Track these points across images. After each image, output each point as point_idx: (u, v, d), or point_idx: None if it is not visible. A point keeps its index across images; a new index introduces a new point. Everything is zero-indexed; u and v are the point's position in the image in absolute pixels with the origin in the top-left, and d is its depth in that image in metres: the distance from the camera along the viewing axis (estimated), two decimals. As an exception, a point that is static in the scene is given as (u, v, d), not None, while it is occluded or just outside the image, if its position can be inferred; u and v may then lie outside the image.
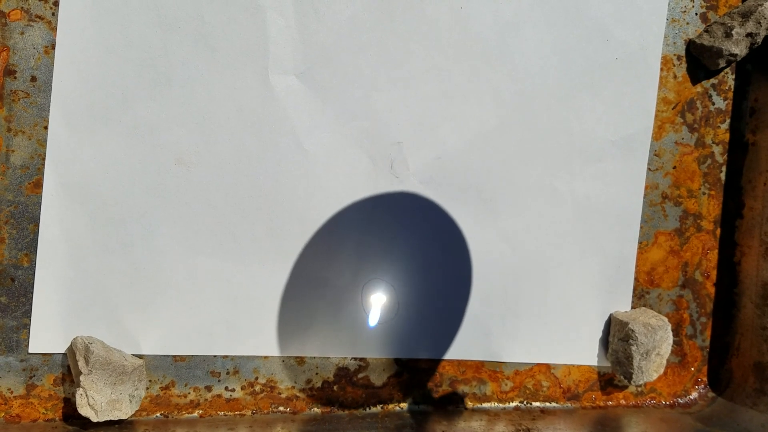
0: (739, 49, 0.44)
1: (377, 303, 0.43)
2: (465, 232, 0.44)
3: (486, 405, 0.45)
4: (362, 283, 0.43)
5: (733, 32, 0.44)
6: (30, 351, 0.39)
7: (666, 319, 0.45)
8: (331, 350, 0.43)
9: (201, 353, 0.41)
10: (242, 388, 0.42)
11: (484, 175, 0.43)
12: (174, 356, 0.41)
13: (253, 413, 0.42)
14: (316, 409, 0.43)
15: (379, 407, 0.44)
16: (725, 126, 0.47)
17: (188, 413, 0.41)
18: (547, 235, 0.45)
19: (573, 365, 0.46)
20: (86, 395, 0.37)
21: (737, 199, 0.48)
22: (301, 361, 0.43)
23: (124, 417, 0.39)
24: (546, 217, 0.44)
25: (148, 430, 0.39)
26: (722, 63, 0.45)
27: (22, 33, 0.38)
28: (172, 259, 0.41)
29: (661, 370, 0.45)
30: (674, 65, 0.46)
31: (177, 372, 0.41)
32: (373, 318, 0.43)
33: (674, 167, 0.46)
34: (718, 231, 0.47)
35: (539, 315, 0.45)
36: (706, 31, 0.45)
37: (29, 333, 0.39)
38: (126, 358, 0.39)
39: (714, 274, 0.48)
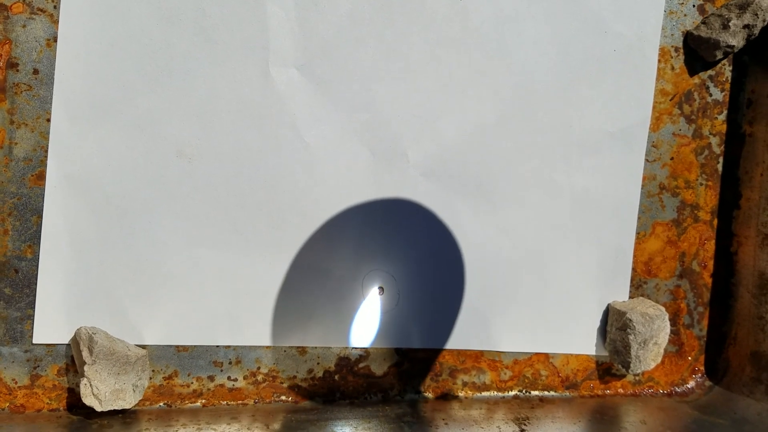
0: (737, 41, 0.45)
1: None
2: (464, 224, 0.44)
3: (485, 394, 0.45)
4: (363, 274, 0.43)
5: (730, 24, 0.44)
6: (34, 342, 0.40)
7: (663, 309, 0.45)
8: (332, 340, 0.43)
9: (203, 343, 0.42)
10: (245, 378, 0.42)
11: (483, 167, 0.44)
12: (177, 346, 0.42)
13: (256, 402, 0.42)
14: (317, 398, 0.43)
15: (379, 396, 0.44)
16: (722, 117, 0.47)
17: (191, 403, 0.42)
18: (545, 226, 0.45)
19: (571, 354, 0.46)
20: (90, 385, 0.38)
21: (734, 189, 0.48)
22: (302, 351, 0.43)
23: (127, 406, 0.39)
24: (545, 208, 0.45)
25: (151, 420, 0.40)
26: (719, 54, 0.45)
27: (24, 26, 0.38)
28: (174, 250, 0.41)
29: (659, 360, 0.45)
30: (672, 57, 0.46)
31: (180, 362, 0.42)
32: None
33: (672, 158, 0.46)
34: (716, 221, 0.48)
35: (538, 305, 0.45)
36: (703, 22, 0.46)
37: (33, 324, 0.40)
38: (129, 348, 0.39)
39: (711, 264, 0.48)
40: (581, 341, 0.46)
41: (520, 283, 0.45)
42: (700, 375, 0.48)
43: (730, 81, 0.47)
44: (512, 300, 0.45)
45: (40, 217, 0.39)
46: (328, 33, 0.41)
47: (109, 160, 0.40)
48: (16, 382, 0.40)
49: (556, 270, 0.45)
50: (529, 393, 0.46)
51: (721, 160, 0.47)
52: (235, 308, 0.42)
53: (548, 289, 0.45)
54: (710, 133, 0.47)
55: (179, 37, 0.40)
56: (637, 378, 0.47)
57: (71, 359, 0.40)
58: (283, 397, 0.43)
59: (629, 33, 0.45)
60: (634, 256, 0.46)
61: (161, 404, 0.41)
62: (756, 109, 0.47)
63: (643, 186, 0.46)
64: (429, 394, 0.45)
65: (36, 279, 0.40)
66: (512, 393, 0.46)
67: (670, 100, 0.46)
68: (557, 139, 0.44)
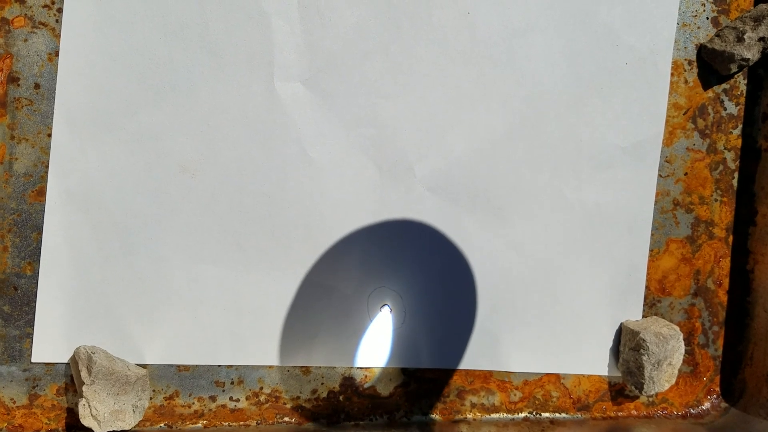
0: (752, 54, 0.44)
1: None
2: (473, 240, 0.43)
3: (495, 416, 0.44)
4: (369, 292, 0.42)
5: (745, 36, 0.43)
6: (33, 360, 0.39)
7: (678, 329, 0.44)
8: (337, 360, 0.42)
9: (205, 363, 0.41)
10: (247, 399, 0.42)
11: (492, 182, 0.43)
12: (178, 366, 0.41)
13: (258, 424, 0.42)
14: (321, 419, 0.42)
15: (385, 418, 0.43)
16: (737, 132, 0.46)
17: (192, 424, 0.41)
18: (556, 242, 0.44)
19: (583, 375, 0.45)
20: (89, 405, 0.37)
21: (750, 205, 0.47)
22: (306, 370, 0.42)
23: (127, 428, 0.38)
24: (555, 224, 0.44)
25: (151, 441, 0.39)
26: (734, 68, 0.44)
27: (26, 40, 0.38)
28: (176, 268, 0.40)
29: (673, 380, 0.44)
30: (685, 70, 0.45)
31: (181, 382, 0.41)
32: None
33: (686, 174, 0.46)
34: (731, 238, 0.47)
35: (548, 324, 0.44)
36: (717, 35, 0.45)
37: (32, 342, 0.39)
38: (129, 367, 0.39)
39: (726, 282, 0.47)
40: (593, 361, 0.45)
41: (530, 301, 0.44)
42: (715, 396, 0.47)
43: (745, 95, 0.46)
44: (522, 318, 0.44)
45: (40, 233, 0.39)
46: (333, 47, 0.41)
47: (110, 175, 0.39)
48: (14, 402, 0.39)
49: (567, 288, 0.44)
50: (540, 415, 0.45)
51: (736, 175, 0.46)
52: (237, 327, 0.41)
53: (559, 308, 0.44)
54: (725, 148, 0.46)
55: (183, 51, 0.39)
56: (650, 399, 0.46)
57: (71, 378, 0.39)
58: (287, 419, 0.42)
59: (641, 46, 0.44)
60: (648, 273, 0.45)
61: (162, 425, 0.41)
62: (772, 123, 0.46)
63: (656, 202, 0.45)
64: (436, 416, 0.44)
65: (35, 297, 0.39)
66: (522, 415, 0.45)
67: (684, 114, 0.45)
68: (568, 153, 0.44)
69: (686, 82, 0.45)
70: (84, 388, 0.37)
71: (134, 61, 0.39)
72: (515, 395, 0.45)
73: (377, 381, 0.43)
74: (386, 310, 0.43)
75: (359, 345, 0.42)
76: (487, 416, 0.44)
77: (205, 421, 0.41)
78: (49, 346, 0.39)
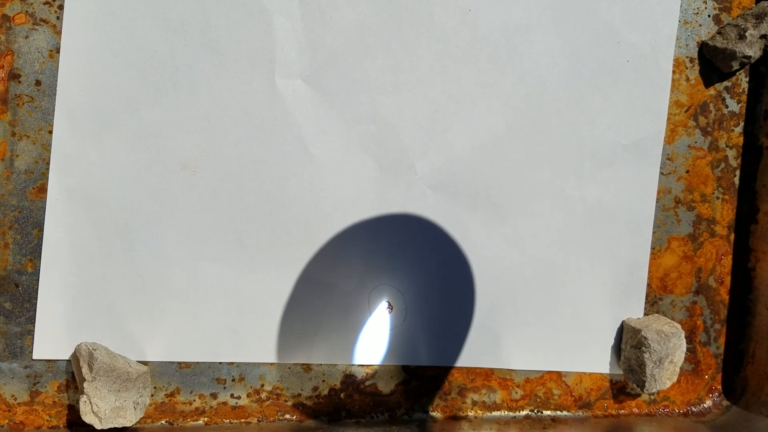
0: (753, 51, 0.44)
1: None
2: (474, 237, 0.43)
3: (496, 413, 0.44)
4: (370, 289, 0.42)
5: (746, 34, 0.43)
6: (34, 357, 0.39)
7: (679, 326, 0.44)
8: (338, 357, 0.42)
9: (206, 360, 0.41)
10: (248, 396, 0.42)
11: (493, 179, 0.43)
12: (179, 363, 0.41)
13: (259, 421, 0.42)
14: (322, 417, 0.42)
15: (386, 415, 0.43)
16: (739, 129, 0.46)
17: (193, 421, 0.41)
18: (557, 240, 0.44)
19: (584, 373, 0.45)
20: (90, 402, 0.37)
21: (752, 203, 0.47)
22: (307, 368, 0.42)
23: (128, 424, 0.38)
24: (556, 222, 0.44)
25: (152, 438, 0.39)
26: (736, 65, 0.44)
27: (27, 37, 0.38)
28: (177, 265, 0.40)
29: (675, 378, 0.44)
30: (687, 68, 0.45)
31: (182, 379, 0.41)
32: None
33: (687, 171, 0.45)
34: (732, 236, 0.47)
35: (550, 322, 0.44)
36: (719, 33, 0.45)
37: (33, 339, 0.39)
38: (130, 364, 0.39)
39: (728, 280, 0.47)
40: (595, 359, 0.45)
41: (531, 298, 0.44)
42: (717, 394, 0.47)
43: (746, 92, 0.46)
44: (523, 316, 0.44)
45: (41, 230, 0.39)
46: (334, 43, 0.41)
47: (111, 172, 0.39)
48: (15, 399, 0.39)
49: (569, 285, 0.44)
50: (541, 413, 0.45)
51: (737, 173, 0.46)
52: (238, 324, 0.41)
53: (560, 305, 0.44)
54: (726, 146, 0.46)
55: (184, 48, 0.39)
56: (652, 397, 0.46)
57: (72, 375, 0.39)
58: (288, 416, 0.42)
59: (643, 43, 0.44)
60: (649, 271, 0.45)
61: (163, 422, 0.41)
62: (773, 120, 0.46)
63: (657, 200, 0.45)
64: (437, 414, 0.44)
65: (36, 293, 0.39)
66: (524, 413, 0.45)
67: (685, 112, 0.45)
68: (569, 151, 0.43)
69: (688, 79, 0.45)
70: (85, 385, 0.37)
71: (135, 58, 0.39)
72: (516, 393, 0.44)
73: (378, 378, 0.43)
74: (387, 307, 0.43)
75: (360, 342, 0.42)
76: (489, 414, 0.44)
77: (206, 419, 0.41)
78: (50, 342, 0.39)
